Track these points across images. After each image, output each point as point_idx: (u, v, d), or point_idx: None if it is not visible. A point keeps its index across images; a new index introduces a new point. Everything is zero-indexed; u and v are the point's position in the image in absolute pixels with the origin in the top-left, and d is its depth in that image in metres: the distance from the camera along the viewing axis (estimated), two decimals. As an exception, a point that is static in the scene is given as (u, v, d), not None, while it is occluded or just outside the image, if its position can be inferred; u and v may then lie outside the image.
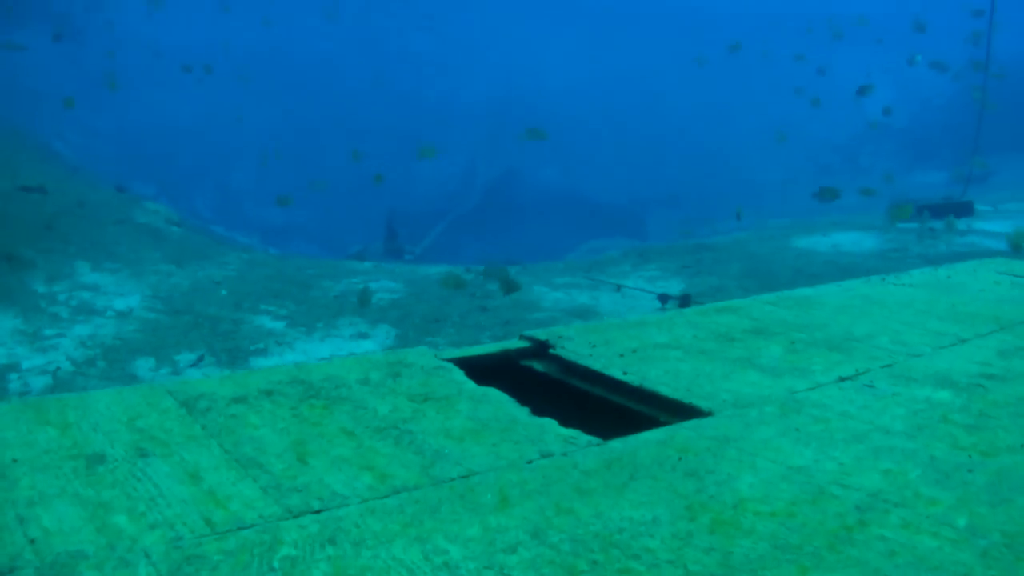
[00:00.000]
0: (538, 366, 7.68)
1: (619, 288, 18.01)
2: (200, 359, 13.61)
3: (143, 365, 13.38)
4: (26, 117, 30.39)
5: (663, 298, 16.77)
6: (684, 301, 16.25)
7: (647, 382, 6.77)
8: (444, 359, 7.29)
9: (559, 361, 7.53)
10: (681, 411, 6.31)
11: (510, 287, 16.85)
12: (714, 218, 30.69)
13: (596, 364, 7.25)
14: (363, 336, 14.87)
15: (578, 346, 7.70)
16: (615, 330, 8.23)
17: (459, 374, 6.90)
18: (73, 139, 33.58)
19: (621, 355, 7.50)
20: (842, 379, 6.86)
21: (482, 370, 7.27)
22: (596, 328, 8.39)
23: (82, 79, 35.04)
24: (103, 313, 15.14)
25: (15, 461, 5.05)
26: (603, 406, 6.88)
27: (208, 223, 32.13)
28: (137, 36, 38.91)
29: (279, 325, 15.11)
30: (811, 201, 31.56)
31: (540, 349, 7.82)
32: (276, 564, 3.96)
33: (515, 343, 7.95)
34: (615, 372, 7.06)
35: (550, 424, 5.86)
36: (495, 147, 37.14)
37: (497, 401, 6.29)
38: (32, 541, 4.14)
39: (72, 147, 32.77)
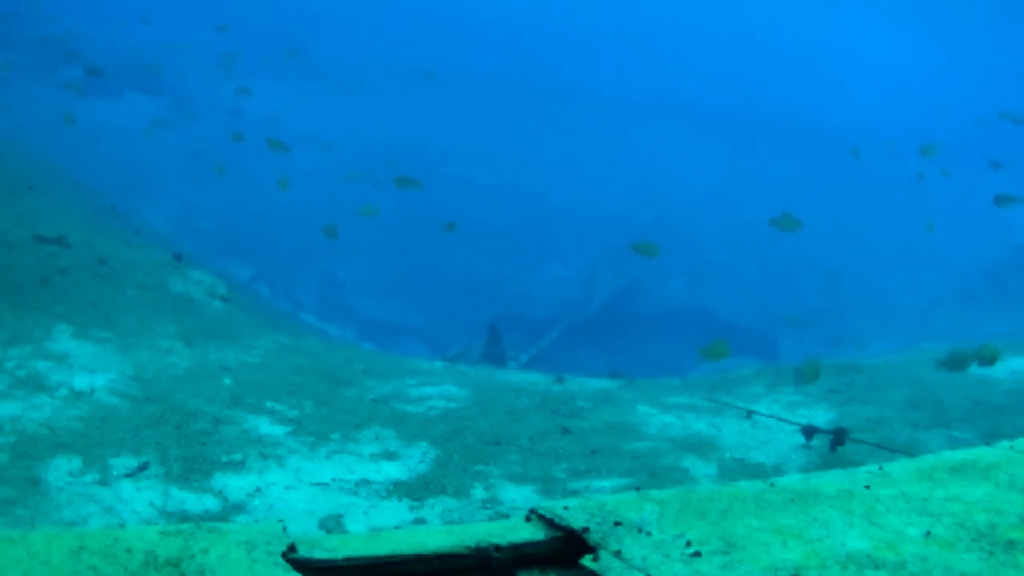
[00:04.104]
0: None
1: (749, 415, 13.18)
2: (142, 467, 9.13)
3: (60, 468, 8.95)
4: (114, 182, 27.04)
5: (808, 431, 11.90)
6: (838, 437, 11.43)
7: None
8: (306, 559, 2.60)
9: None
10: None
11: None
12: (851, 341, 26.43)
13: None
14: (389, 456, 10.23)
15: (658, 549, 2.96)
16: (747, 511, 3.46)
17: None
18: (169, 211, 30.13)
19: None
20: None
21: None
22: (701, 503, 3.58)
23: (190, 152, 32.04)
24: (52, 391, 10.81)
25: None
26: None
27: (299, 310, 28.42)
28: (256, 113, 35.79)
29: (278, 431, 10.57)
30: (959, 326, 27.68)
31: (570, 546, 3.10)
32: None
33: (510, 526, 3.26)
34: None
35: None
36: (620, 256, 33.24)
37: None
38: None
39: (166, 218, 29.28)
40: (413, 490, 9.39)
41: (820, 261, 32.97)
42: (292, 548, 2.99)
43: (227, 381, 12.20)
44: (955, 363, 14.59)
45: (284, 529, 3.16)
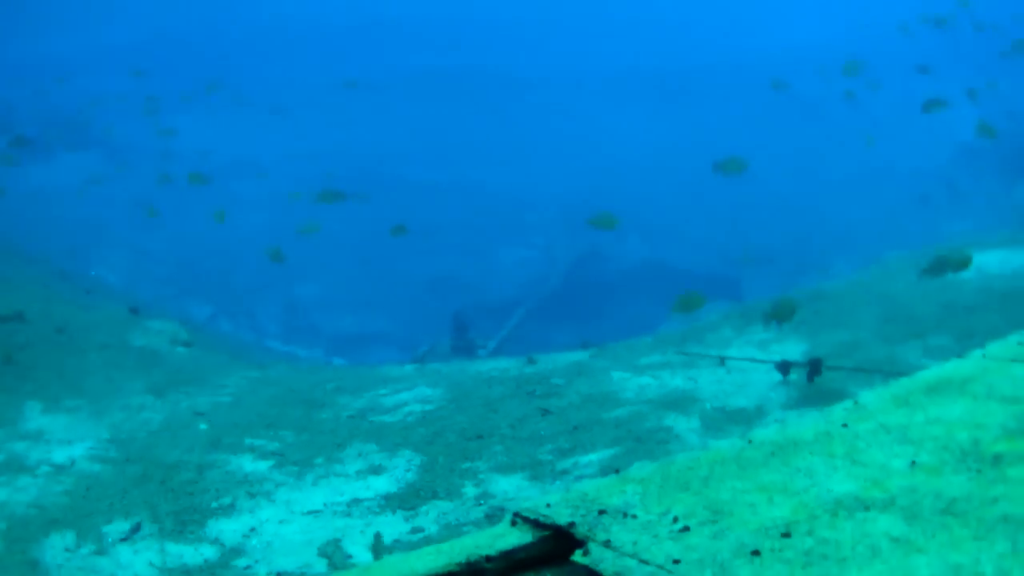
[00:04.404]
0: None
1: (723, 361, 13.15)
2: (135, 529, 9.04)
3: (55, 545, 8.84)
4: (60, 245, 26.82)
5: (784, 367, 11.85)
6: (814, 367, 11.39)
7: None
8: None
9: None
10: None
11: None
12: (813, 267, 26.50)
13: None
14: (375, 471, 10.15)
15: (647, 531, 2.90)
16: (729, 473, 3.41)
17: None
18: (119, 264, 29.89)
19: (755, 552, 2.71)
20: None
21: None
22: (682, 474, 3.52)
23: (130, 201, 31.71)
24: (34, 470, 10.67)
25: None
26: None
27: (264, 338, 28.30)
28: (189, 147, 35.50)
29: (262, 466, 10.47)
30: (917, 231, 27.84)
31: (560, 543, 3.05)
32: None
33: (497, 533, 3.20)
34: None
35: None
36: (573, 227, 33.27)
37: None
38: None
39: (117, 271, 29.05)
40: (405, 500, 9.34)
41: (770, 196, 33.04)
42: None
43: (203, 426, 12.09)
44: (937, 269, 14.60)
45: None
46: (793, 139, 36.34)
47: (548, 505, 3.36)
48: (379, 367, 16.81)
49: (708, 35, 48.26)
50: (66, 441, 11.63)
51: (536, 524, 3.27)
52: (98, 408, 12.90)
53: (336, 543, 8.50)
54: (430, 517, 8.90)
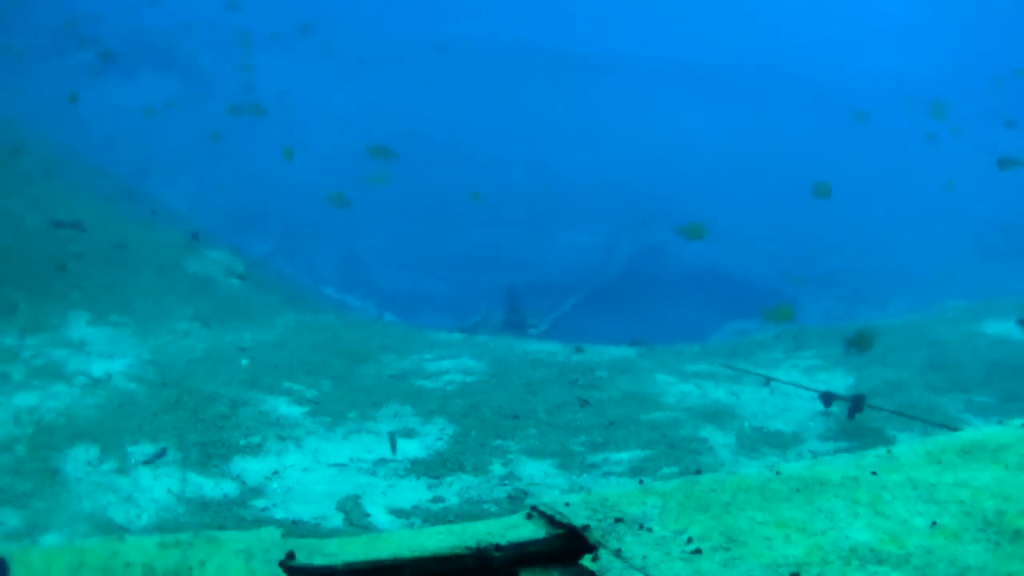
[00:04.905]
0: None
1: (768, 382, 13.08)
2: (160, 454, 9.13)
3: (79, 457, 8.95)
4: (131, 163, 27.04)
5: (827, 398, 11.78)
6: (856, 404, 11.30)
7: None
8: (305, 567, 2.58)
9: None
10: None
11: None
12: (871, 299, 26.27)
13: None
14: (407, 434, 10.21)
15: (659, 547, 2.91)
16: (751, 502, 3.40)
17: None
18: (187, 189, 30.09)
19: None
20: None
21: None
22: (704, 495, 3.52)
23: (204, 129, 31.85)
24: (70, 379, 10.82)
25: None
26: None
27: (319, 283, 28.37)
28: (270, 85, 35.60)
29: (296, 412, 10.57)
30: (980, 283, 27.57)
31: (572, 544, 3.06)
32: None
33: (511, 524, 3.21)
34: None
35: None
36: (638, 219, 33.16)
37: None
38: None
39: (184, 196, 29.24)
40: (431, 468, 9.37)
41: (839, 220, 32.77)
42: (291, 555, 2.96)
43: (244, 362, 12.18)
44: None
45: (283, 535, 3.12)
46: (869, 167, 36.02)
47: (567, 504, 3.37)
48: (427, 331, 16.82)
49: (802, 48, 47.77)
50: (106, 355, 11.78)
51: (552, 521, 3.28)
52: (143, 328, 13.04)
53: (356, 499, 8.55)
54: (453, 489, 8.93)
